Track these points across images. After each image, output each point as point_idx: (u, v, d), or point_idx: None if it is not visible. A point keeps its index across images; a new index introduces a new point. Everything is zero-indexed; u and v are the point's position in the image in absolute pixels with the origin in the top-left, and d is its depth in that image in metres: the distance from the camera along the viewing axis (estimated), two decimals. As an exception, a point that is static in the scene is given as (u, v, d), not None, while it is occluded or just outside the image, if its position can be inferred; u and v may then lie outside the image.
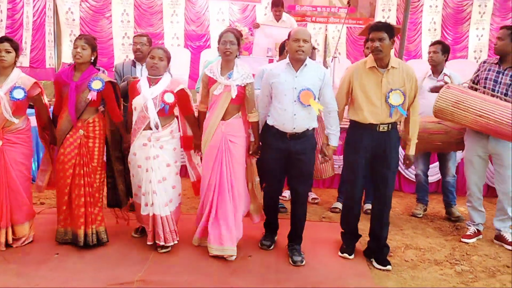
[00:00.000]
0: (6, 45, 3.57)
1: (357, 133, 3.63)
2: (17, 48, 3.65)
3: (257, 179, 3.90)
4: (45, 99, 3.83)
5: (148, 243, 3.67)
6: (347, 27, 9.03)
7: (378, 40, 3.42)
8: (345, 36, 9.09)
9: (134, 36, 4.66)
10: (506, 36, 3.99)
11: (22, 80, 3.64)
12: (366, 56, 4.94)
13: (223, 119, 3.63)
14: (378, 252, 3.68)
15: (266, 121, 3.70)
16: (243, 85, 3.61)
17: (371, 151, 3.59)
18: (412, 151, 3.71)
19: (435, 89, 4.25)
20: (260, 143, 3.75)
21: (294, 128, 3.52)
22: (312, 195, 5.36)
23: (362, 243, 3.90)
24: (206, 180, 3.70)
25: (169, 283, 3.22)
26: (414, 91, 3.58)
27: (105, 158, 3.86)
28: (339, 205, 4.97)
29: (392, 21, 8.81)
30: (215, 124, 3.63)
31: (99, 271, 3.36)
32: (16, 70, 3.66)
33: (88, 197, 3.65)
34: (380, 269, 3.55)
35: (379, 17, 8.83)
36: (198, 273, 3.38)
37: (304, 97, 3.46)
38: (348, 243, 3.82)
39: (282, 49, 4.58)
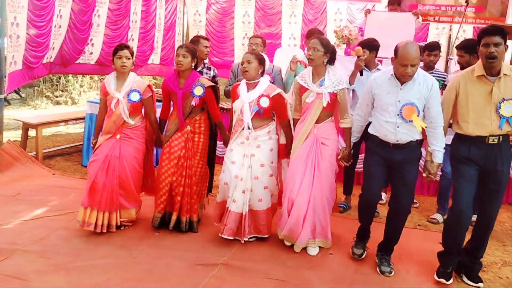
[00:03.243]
0: (127, 52, 3.92)
1: (463, 146, 3.32)
2: (133, 54, 4.02)
3: None
4: (155, 104, 4.18)
5: (225, 236, 3.73)
6: (474, 27, 8.42)
7: (494, 46, 3.10)
8: (471, 38, 8.50)
9: (250, 38, 4.88)
10: None
11: (138, 83, 3.99)
12: (460, 64, 4.65)
13: (316, 123, 3.70)
14: (470, 268, 3.46)
15: (368, 130, 3.57)
16: (335, 91, 3.62)
17: (479, 165, 3.27)
18: None
19: None
20: (352, 151, 3.73)
21: (398, 141, 3.36)
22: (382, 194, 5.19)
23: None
24: (293, 180, 3.69)
25: (248, 269, 3.44)
26: None
27: None
28: (439, 217, 4.75)
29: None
30: (308, 129, 3.69)
31: (190, 252, 3.70)
32: (131, 74, 4.01)
33: (186, 188, 3.95)
34: (470, 286, 3.37)
35: (511, 17, 8.10)
36: (277, 263, 3.55)
37: (406, 112, 3.27)
38: (446, 265, 3.38)
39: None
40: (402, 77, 3.27)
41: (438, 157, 3.36)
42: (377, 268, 3.54)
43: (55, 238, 3.84)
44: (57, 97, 12.21)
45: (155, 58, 8.67)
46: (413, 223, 4.63)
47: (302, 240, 3.66)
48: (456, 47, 4.81)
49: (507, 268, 3.68)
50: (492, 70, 3.18)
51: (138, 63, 8.06)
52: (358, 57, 4.43)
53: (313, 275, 3.38)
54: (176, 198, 3.96)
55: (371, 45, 4.66)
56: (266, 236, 3.91)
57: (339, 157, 3.72)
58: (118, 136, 3.96)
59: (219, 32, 9.32)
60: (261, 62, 3.80)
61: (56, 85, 12.43)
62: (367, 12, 6.58)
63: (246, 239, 3.80)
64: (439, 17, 8.54)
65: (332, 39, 7.82)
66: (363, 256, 3.67)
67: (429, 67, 4.85)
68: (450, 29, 8.67)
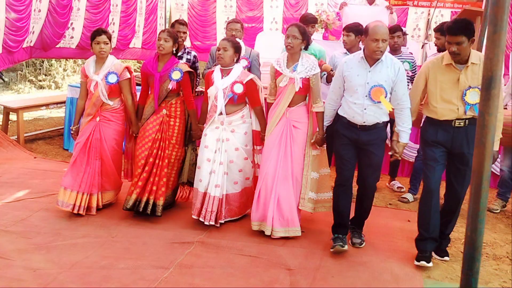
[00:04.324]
0: (104, 38, 4.01)
1: (431, 129, 3.46)
2: (111, 38, 4.11)
3: (326, 170, 3.93)
4: (133, 88, 4.23)
5: (194, 217, 3.87)
6: (452, 11, 8.56)
7: (456, 44, 3.22)
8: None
9: (228, 23, 4.93)
10: None
11: (116, 66, 4.08)
12: (437, 47, 4.82)
13: (288, 106, 3.80)
14: (438, 243, 3.62)
15: (337, 111, 3.69)
16: (307, 77, 3.73)
17: (447, 147, 3.42)
18: (496, 147, 3.49)
19: None
20: (325, 134, 3.78)
21: (364, 122, 3.49)
22: (397, 183, 5.33)
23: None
24: (266, 165, 3.78)
25: (223, 246, 3.59)
26: None
27: None
28: (409, 197, 4.94)
29: (503, 5, 8.18)
30: (281, 113, 3.79)
31: (167, 231, 3.84)
32: (110, 57, 4.10)
33: (154, 169, 3.98)
34: (436, 259, 3.56)
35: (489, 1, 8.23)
36: (251, 241, 3.70)
37: (374, 93, 3.40)
38: (424, 250, 3.45)
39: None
40: (373, 54, 3.35)
41: (404, 137, 3.50)
42: (350, 240, 3.73)
43: (36, 219, 3.95)
44: (40, 81, 12.16)
45: (136, 42, 8.70)
46: (384, 202, 4.82)
47: (270, 223, 3.70)
48: (434, 30, 4.95)
49: (470, 243, 3.88)
50: (459, 60, 3.30)
51: (119, 47, 8.09)
52: (329, 72, 4.54)
53: (285, 251, 3.54)
54: (142, 175, 3.97)
55: (357, 29, 4.75)
56: (238, 217, 4.03)
57: (312, 141, 3.78)
58: (98, 119, 4.08)
59: (201, 16, 9.36)
60: (237, 50, 3.91)
61: (40, 69, 12.36)
62: (344, 5, 6.76)
63: (222, 222, 3.92)
64: (418, 2, 8.68)
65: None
66: (344, 247, 3.51)
67: (395, 50, 4.95)
68: (429, 14, 8.81)
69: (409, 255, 3.59)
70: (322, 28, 6.55)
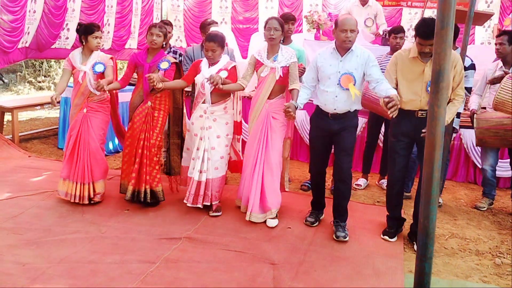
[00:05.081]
0: (100, 33, 4.29)
1: (396, 118, 3.64)
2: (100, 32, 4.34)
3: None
4: (116, 73, 4.47)
5: (188, 204, 4.09)
6: (445, 12, 8.62)
7: (429, 46, 3.42)
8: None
9: (209, 24, 5.04)
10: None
11: (102, 57, 4.35)
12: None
13: (268, 98, 4.03)
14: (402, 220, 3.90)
15: (313, 101, 4.01)
16: (287, 65, 3.96)
17: (410, 136, 3.71)
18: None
19: (495, 80, 4.12)
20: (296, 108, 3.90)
21: (335, 109, 3.78)
22: (386, 182, 5.39)
23: (406, 227, 3.99)
24: (249, 152, 4.11)
25: (210, 241, 3.66)
26: (458, 78, 3.56)
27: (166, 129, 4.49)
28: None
29: (496, 5, 8.25)
30: (262, 102, 4.05)
31: (156, 227, 3.90)
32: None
33: (144, 159, 4.19)
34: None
35: (481, 2, 8.30)
36: (238, 236, 3.77)
37: (344, 81, 3.70)
38: (390, 226, 3.92)
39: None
40: (343, 43, 3.65)
41: (391, 91, 3.45)
42: (334, 234, 3.81)
43: (28, 216, 4.02)
44: (39, 82, 12.24)
45: (132, 43, 8.76)
46: (372, 199, 4.88)
47: (255, 210, 4.01)
48: None
49: (454, 239, 3.95)
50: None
51: (114, 47, 8.16)
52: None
53: (270, 246, 3.61)
54: (133, 167, 4.20)
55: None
56: (216, 202, 4.19)
57: (285, 104, 3.79)
58: (85, 110, 4.28)
59: (197, 17, 9.41)
60: (223, 46, 4.12)
61: (39, 70, 12.44)
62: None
63: (219, 211, 4.18)
64: (412, 2, 8.76)
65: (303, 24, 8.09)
66: (315, 224, 4.07)
67: (395, 50, 5.03)
68: (422, 14, 8.85)
69: (392, 251, 3.65)
70: (314, 28, 6.62)
